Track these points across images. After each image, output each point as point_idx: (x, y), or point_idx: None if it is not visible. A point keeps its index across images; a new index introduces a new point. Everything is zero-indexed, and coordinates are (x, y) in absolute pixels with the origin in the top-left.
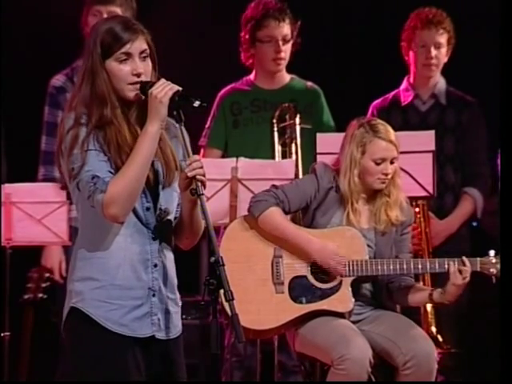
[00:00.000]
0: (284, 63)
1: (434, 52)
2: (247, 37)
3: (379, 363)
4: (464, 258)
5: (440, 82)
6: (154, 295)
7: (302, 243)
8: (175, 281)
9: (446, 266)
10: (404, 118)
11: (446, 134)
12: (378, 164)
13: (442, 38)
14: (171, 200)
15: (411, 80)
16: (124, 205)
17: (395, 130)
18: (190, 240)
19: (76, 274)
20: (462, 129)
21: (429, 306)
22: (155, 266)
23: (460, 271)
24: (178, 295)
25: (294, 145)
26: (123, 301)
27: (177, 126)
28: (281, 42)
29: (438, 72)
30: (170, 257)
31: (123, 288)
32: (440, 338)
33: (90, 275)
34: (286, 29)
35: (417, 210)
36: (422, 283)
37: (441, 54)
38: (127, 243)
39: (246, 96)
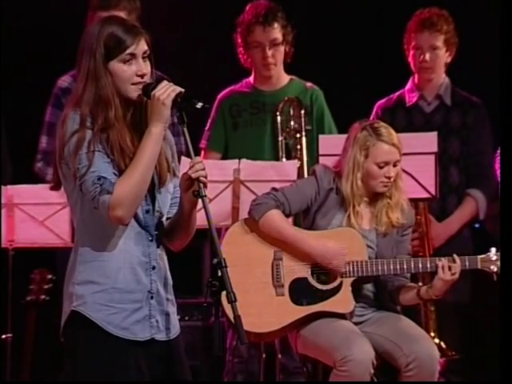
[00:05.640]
0: (274, 67)
1: (428, 55)
2: (240, 41)
3: (381, 365)
4: (455, 255)
5: (445, 83)
6: (152, 297)
7: (302, 245)
8: (170, 281)
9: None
10: (408, 119)
11: (451, 136)
12: (381, 167)
13: (437, 41)
14: (166, 202)
15: (416, 81)
16: (130, 207)
17: (399, 131)
18: (182, 241)
19: (76, 277)
20: (467, 130)
21: (431, 316)
22: (153, 268)
23: (449, 267)
24: (173, 295)
25: (298, 139)
26: (124, 304)
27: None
28: (267, 47)
29: (437, 73)
30: (164, 258)
31: (124, 291)
32: (443, 345)
33: (91, 279)
34: (274, 33)
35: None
36: (421, 283)
37: (437, 57)
38: (127, 246)
39: (245, 98)
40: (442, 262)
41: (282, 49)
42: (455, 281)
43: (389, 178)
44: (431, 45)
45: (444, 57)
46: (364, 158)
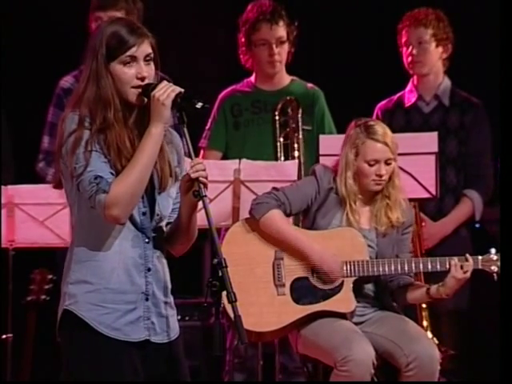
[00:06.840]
0: (279, 65)
1: (415, 49)
2: (243, 40)
3: (382, 364)
4: (467, 255)
5: (444, 83)
6: (147, 299)
7: (302, 247)
8: (169, 285)
9: (448, 265)
10: (407, 120)
11: (449, 136)
12: (371, 165)
13: (424, 34)
14: (167, 206)
15: (415, 82)
16: (126, 206)
17: (398, 131)
18: (183, 246)
19: (70, 277)
20: (466, 130)
21: (424, 314)
22: (149, 270)
23: (461, 266)
24: (172, 298)
25: (296, 138)
26: (116, 304)
27: (172, 131)
28: (274, 45)
29: (429, 68)
30: (163, 261)
31: (117, 292)
32: (436, 341)
33: (84, 278)
34: (279, 31)
35: None
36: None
37: (426, 51)
38: (122, 247)
39: (246, 97)
40: (455, 260)
41: (286, 47)
42: (467, 280)
43: (380, 176)
44: (417, 38)
45: (436, 52)
46: (354, 156)
